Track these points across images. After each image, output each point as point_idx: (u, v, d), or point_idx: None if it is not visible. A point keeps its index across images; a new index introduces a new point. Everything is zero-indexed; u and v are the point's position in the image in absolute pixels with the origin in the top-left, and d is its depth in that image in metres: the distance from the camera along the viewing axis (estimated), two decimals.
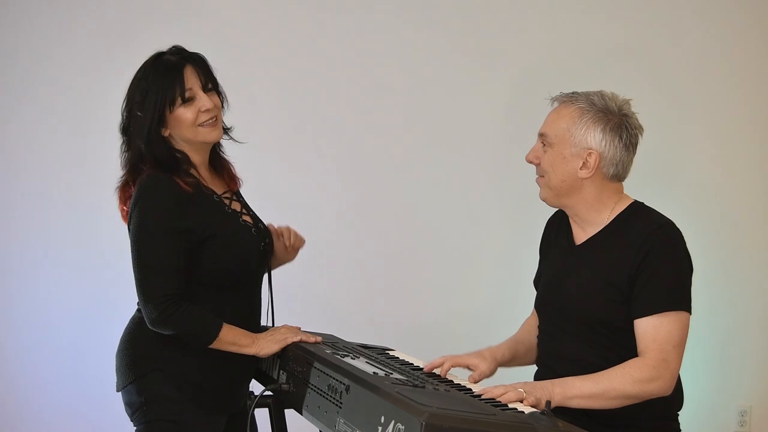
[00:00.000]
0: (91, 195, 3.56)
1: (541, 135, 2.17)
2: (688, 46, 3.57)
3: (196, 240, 2.11)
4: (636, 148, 2.14)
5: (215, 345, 2.10)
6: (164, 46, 2.22)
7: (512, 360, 2.31)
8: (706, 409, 3.43)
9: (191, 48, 2.23)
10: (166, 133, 2.17)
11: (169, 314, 2.05)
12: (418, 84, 3.63)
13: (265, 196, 3.56)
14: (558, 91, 2.21)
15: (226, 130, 2.29)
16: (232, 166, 2.36)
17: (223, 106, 2.26)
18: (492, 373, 2.23)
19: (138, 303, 2.18)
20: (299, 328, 2.29)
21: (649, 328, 2.01)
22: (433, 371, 2.11)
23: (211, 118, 2.18)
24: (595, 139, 2.09)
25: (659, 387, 1.98)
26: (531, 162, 2.20)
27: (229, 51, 3.49)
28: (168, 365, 2.13)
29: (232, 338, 2.12)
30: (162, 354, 2.14)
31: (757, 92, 3.57)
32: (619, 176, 2.14)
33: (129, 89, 2.19)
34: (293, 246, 2.40)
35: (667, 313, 2.00)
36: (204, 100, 2.16)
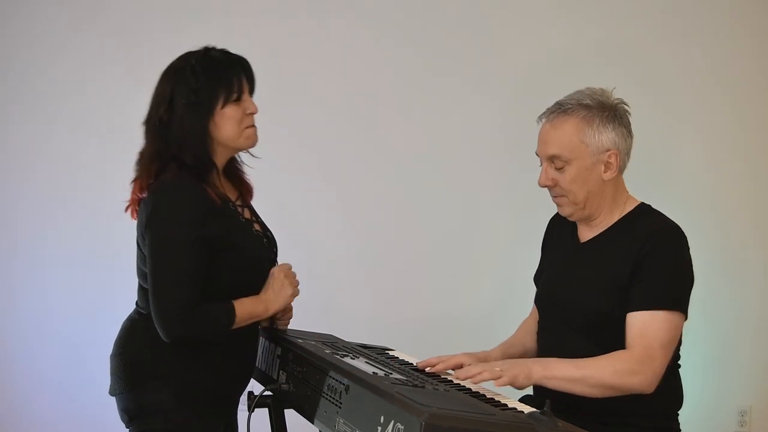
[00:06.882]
0: (98, 196, 3.57)
1: (551, 157, 2.10)
2: (679, 47, 3.57)
3: (214, 250, 2.01)
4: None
5: (235, 326, 2.04)
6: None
7: None
8: (706, 409, 3.43)
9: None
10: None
11: (190, 324, 1.97)
12: (417, 84, 3.63)
13: (265, 198, 3.54)
14: (554, 94, 2.18)
15: None
16: (248, 176, 2.28)
17: None
18: None
19: (137, 302, 2.14)
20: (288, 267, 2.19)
21: (638, 323, 2.00)
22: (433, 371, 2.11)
23: (253, 124, 2.12)
24: (609, 139, 2.08)
25: (640, 382, 1.96)
26: (546, 186, 2.14)
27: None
28: (167, 373, 2.05)
29: (248, 313, 2.06)
30: (161, 360, 2.05)
31: (748, 93, 3.57)
32: (625, 166, 2.15)
33: (172, 79, 2.05)
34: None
35: (659, 311, 1.99)
36: (250, 103, 2.10)
